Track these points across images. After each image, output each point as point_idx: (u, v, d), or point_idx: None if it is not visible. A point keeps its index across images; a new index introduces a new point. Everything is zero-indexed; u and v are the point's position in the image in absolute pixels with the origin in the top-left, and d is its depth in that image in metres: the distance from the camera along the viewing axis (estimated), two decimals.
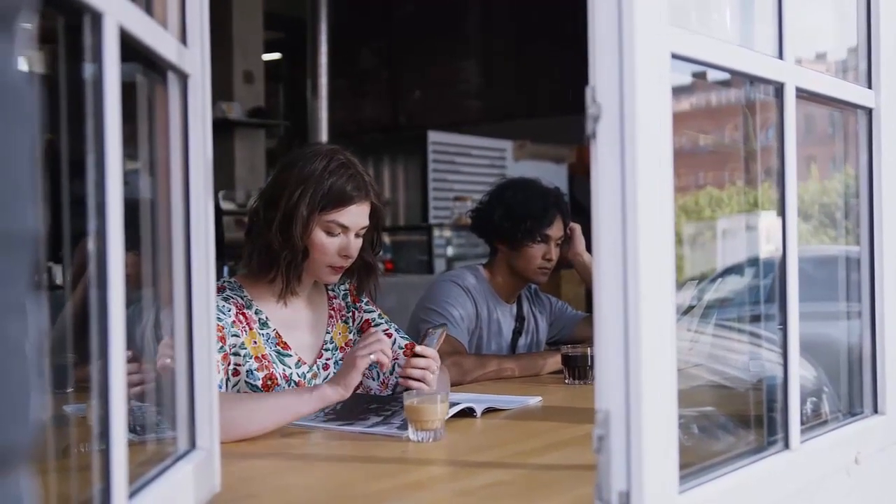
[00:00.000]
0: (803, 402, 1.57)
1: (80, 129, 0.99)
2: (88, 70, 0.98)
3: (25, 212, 0.56)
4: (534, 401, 2.29)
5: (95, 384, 0.98)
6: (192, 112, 1.33)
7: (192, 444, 1.34)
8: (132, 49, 1.09)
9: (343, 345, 2.32)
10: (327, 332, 2.31)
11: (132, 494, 1.07)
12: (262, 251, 2.16)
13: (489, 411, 2.13)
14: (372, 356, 1.93)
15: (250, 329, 2.14)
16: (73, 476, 1.17)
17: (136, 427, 1.32)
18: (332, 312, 2.34)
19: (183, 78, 1.32)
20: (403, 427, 1.86)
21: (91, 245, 0.99)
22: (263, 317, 2.19)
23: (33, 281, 0.57)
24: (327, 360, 2.29)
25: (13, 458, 0.54)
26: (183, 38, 1.32)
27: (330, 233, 2.15)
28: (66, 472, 1.15)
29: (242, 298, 2.18)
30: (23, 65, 0.57)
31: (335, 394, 1.93)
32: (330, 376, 2.24)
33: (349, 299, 2.37)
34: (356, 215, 2.16)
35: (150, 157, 1.32)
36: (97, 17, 0.97)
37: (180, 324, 1.34)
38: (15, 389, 0.54)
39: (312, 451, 1.77)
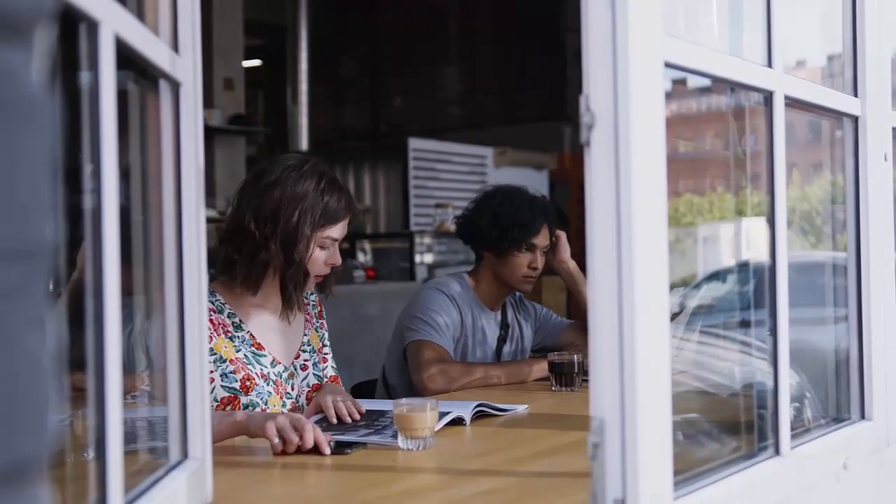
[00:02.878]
0: None
1: (74, 136, 0.99)
2: (84, 78, 0.98)
3: (43, 223, 0.55)
4: (522, 408, 2.29)
5: (92, 394, 0.97)
6: (185, 120, 1.33)
7: (185, 454, 1.33)
8: (125, 57, 1.08)
9: (318, 349, 2.39)
10: (304, 335, 2.36)
11: None
12: (259, 268, 2.20)
13: (480, 416, 2.13)
14: (276, 440, 1.79)
15: (219, 334, 2.16)
16: (64, 486, 1.16)
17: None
18: (308, 317, 2.40)
19: (175, 86, 1.31)
20: (396, 437, 1.86)
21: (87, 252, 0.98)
22: (237, 320, 2.22)
23: (50, 293, 0.57)
24: (305, 360, 2.34)
25: (32, 470, 0.54)
26: (175, 46, 1.32)
27: (323, 247, 2.23)
28: (58, 482, 1.14)
29: (213, 303, 2.19)
30: (40, 75, 0.57)
31: (245, 426, 1.89)
32: (307, 377, 2.32)
33: (316, 311, 2.45)
34: (344, 227, 2.27)
35: (142, 164, 1.31)
36: (93, 26, 0.96)
37: (172, 333, 1.33)
38: (34, 402, 0.54)
39: (303, 460, 1.77)
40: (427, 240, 7.39)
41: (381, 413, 2.15)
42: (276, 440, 1.78)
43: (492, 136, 8.59)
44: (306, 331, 2.37)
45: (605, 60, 1.14)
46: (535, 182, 7.28)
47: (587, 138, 1.16)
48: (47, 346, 0.56)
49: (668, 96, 1.43)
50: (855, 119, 1.78)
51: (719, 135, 1.95)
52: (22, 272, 0.53)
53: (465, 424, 2.06)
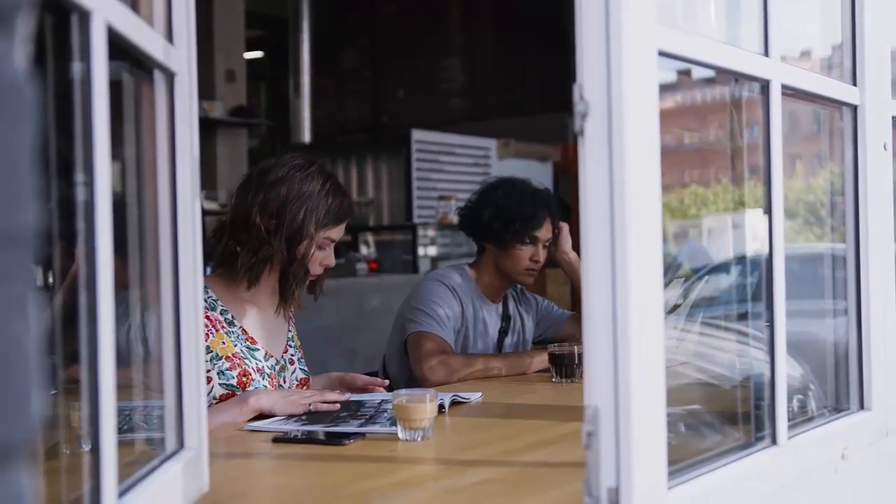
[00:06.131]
0: (790, 400, 1.57)
1: (67, 128, 0.99)
2: (76, 68, 0.98)
3: (26, 209, 0.56)
4: (476, 396, 2.32)
5: (85, 386, 0.97)
6: (179, 111, 1.32)
7: (181, 444, 1.34)
8: (118, 47, 1.08)
9: (298, 345, 2.45)
10: (289, 331, 2.42)
11: (121, 494, 1.06)
12: (261, 262, 2.23)
13: (454, 404, 2.17)
14: (310, 407, 2.08)
15: (216, 330, 2.18)
16: (59, 476, 1.17)
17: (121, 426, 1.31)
18: (290, 315, 2.44)
19: (170, 77, 1.31)
20: (394, 423, 1.86)
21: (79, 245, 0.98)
22: (229, 316, 2.24)
23: (33, 278, 0.57)
24: (291, 355, 2.40)
25: (15, 454, 0.54)
26: (169, 37, 1.31)
27: (321, 247, 2.27)
28: (53, 473, 1.14)
29: (206, 300, 2.21)
30: (22, 62, 0.57)
31: (265, 402, 2.08)
32: (295, 371, 2.38)
33: (292, 311, 2.48)
34: (342, 230, 2.32)
35: (136, 156, 1.31)
36: (85, 16, 0.96)
37: (168, 325, 1.33)
38: (18, 386, 0.54)
39: (301, 451, 1.77)
40: (430, 232, 7.39)
41: (361, 403, 2.18)
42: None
43: (495, 127, 8.57)
44: (290, 327, 2.43)
45: (598, 49, 1.14)
46: (539, 174, 7.28)
47: (581, 127, 1.16)
48: (31, 332, 0.56)
49: (673, 87, 1.43)
50: (854, 108, 1.77)
51: (724, 126, 1.94)
52: (4, 257, 0.54)
53: (444, 412, 2.07)
